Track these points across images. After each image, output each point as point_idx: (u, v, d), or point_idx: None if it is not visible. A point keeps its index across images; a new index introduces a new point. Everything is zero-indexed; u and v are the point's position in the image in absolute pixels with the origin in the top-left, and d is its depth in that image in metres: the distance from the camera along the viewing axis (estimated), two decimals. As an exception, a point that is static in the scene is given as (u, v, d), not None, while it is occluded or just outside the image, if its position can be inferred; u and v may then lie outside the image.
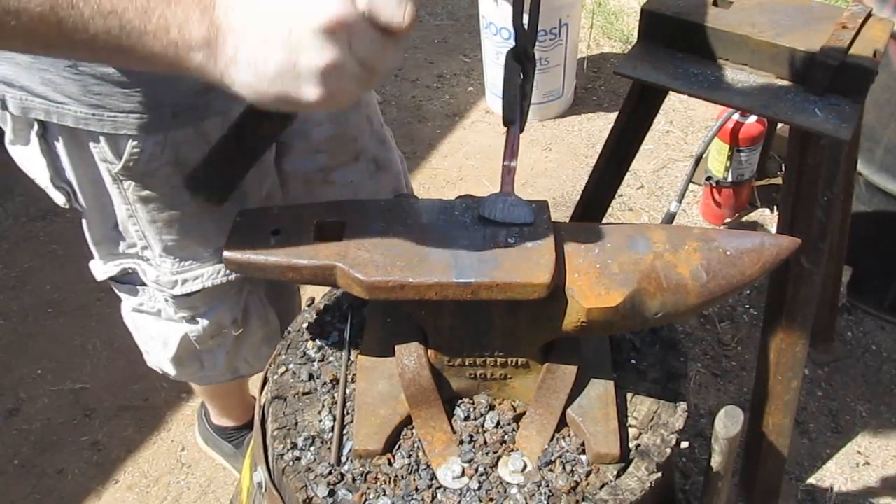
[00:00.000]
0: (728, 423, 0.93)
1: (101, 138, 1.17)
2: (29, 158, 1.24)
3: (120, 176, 1.21)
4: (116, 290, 1.48)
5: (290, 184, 1.44)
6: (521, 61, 1.05)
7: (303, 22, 0.70)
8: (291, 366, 1.10)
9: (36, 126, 1.18)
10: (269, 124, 0.90)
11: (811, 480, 2.08)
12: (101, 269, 1.41)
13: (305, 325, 1.15)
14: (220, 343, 1.52)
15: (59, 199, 1.28)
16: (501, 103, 1.06)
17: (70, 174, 1.24)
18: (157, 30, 0.71)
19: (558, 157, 3.07)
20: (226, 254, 0.92)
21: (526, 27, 1.05)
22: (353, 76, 0.73)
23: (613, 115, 1.76)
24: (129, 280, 1.43)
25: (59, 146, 1.20)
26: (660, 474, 0.96)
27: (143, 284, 1.42)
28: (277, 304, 1.57)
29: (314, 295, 1.21)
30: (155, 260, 1.35)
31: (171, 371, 1.59)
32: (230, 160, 0.94)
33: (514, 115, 1.02)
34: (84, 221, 1.35)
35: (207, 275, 1.37)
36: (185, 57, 0.72)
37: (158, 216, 1.27)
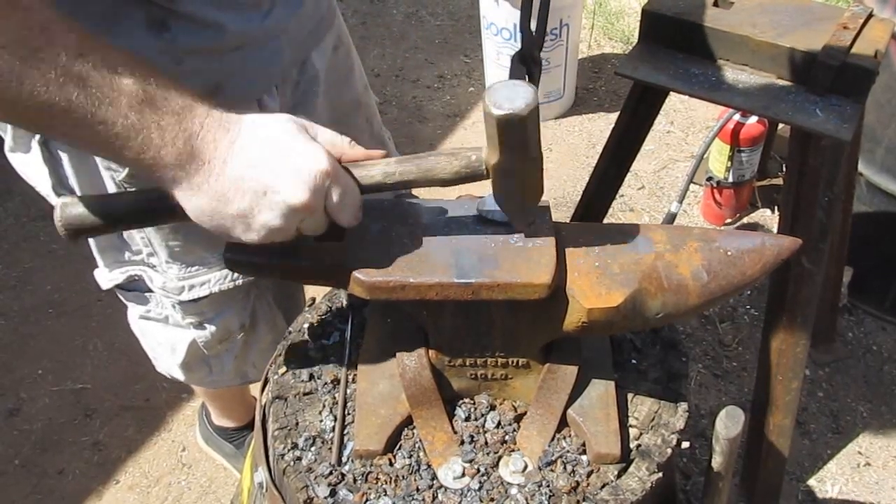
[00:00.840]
0: (729, 423, 0.93)
1: None
2: (30, 166, 1.23)
3: (124, 184, 1.20)
4: (122, 298, 1.47)
5: None
6: (527, 64, 1.06)
7: (282, 193, 0.79)
8: (292, 366, 1.10)
9: (38, 134, 1.17)
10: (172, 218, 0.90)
11: (812, 481, 2.07)
12: (107, 276, 1.40)
13: (306, 325, 1.15)
14: (229, 348, 1.51)
15: None
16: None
17: (73, 182, 1.23)
18: (137, 147, 0.76)
19: (559, 157, 3.07)
20: (226, 254, 0.92)
21: (534, 31, 1.05)
22: (287, 237, 0.84)
23: (614, 116, 1.76)
24: (136, 287, 1.42)
25: (62, 154, 1.20)
26: (660, 474, 0.96)
27: (150, 291, 1.41)
28: (285, 307, 1.56)
29: (315, 295, 1.21)
30: (161, 266, 1.34)
31: (180, 376, 1.59)
32: (112, 214, 0.92)
33: None
34: None
35: (214, 280, 1.36)
36: (155, 171, 0.79)
37: None
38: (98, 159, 1.18)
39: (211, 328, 1.45)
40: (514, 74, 1.09)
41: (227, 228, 0.83)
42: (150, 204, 0.87)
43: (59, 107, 0.72)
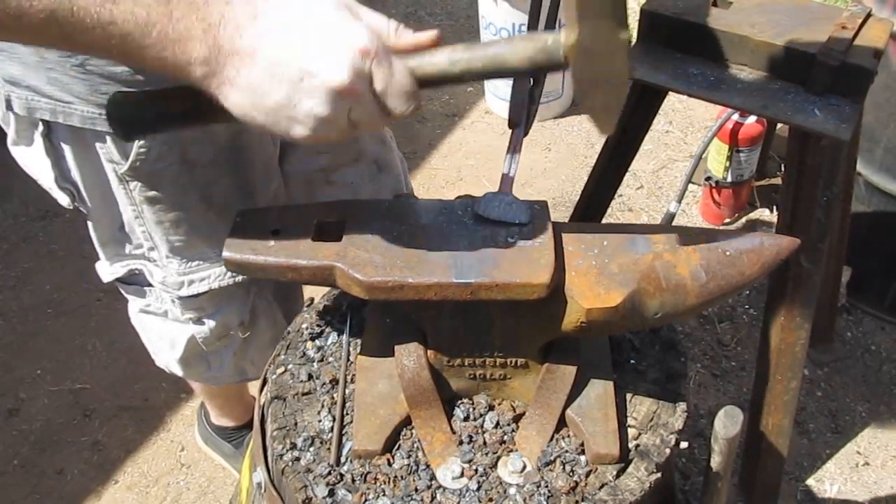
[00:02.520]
0: (727, 423, 0.93)
1: (108, 138, 1.16)
2: (32, 159, 1.23)
3: (126, 177, 1.20)
4: (123, 292, 1.48)
5: (292, 184, 1.44)
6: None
7: (319, 75, 0.72)
8: (290, 366, 1.10)
9: (41, 126, 1.17)
10: (223, 117, 0.84)
11: (811, 481, 2.08)
12: (108, 270, 1.40)
13: (305, 325, 1.15)
14: (227, 344, 1.51)
15: (64, 199, 1.27)
16: (508, 105, 1.06)
17: (75, 175, 1.23)
18: (155, 44, 0.72)
19: (558, 157, 3.07)
20: (225, 254, 0.92)
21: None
22: (341, 130, 0.77)
23: (613, 116, 1.76)
24: (136, 281, 1.42)
25: (65, 146, 1.20)
26: (659, 474, 0.96)
27: (150, 285, 1.41)
28: (285, 305, 1.56)
29: (314, 295, 1.21)
30: (161, 261, 1.34)
31: (178, 371, 1.59)
32: (166, 112, 0.88)
33: (521, 118, 1.03)
34: (89, 223, 1.35)
35: (214, 276, 1.36)
36: (185, 69, 0.74)
37: (165, 217, 1.27)
38: (101, 151, 1.19)
39: (210, 324, 1.45)
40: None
41: (273, 124, 0.76)
42: (200, 103, 0.80)
43: (63, 11, 0.70)
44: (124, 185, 1.22)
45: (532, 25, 1.12)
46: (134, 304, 1.50)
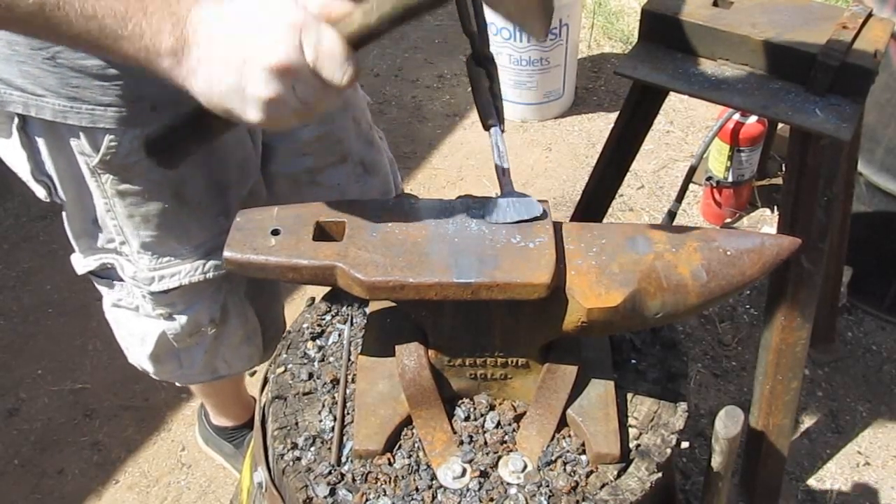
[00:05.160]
0: (728, 423, 0.93)
1: (80, 133, 1.17)
2: (10, 151, 1.24)
3: (98, 169, 1.21)
4: (96, 285, 1.48)
5: (277, 185, 1.44)
6: (482, 64, 1.06)
7: (256, 57, 0.78)
8: (291, 366, 1.10)
9: (16, 119, 1.18)
10: (224, 122, 0.92)
11: (811, 480, 2.07)
12: (81, 262, 1.41)
13: (306, 324, 1.15)
14: (199, 342, 1.51)
15: (40, 192, 1.28)
16: (476, 109, 1.06)
17: (50, 167, 1.24)
18: (131, 36, 0.79)
19: (558, 157, 3.07)
20: (226, 253, 0.92)
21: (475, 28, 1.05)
22: (293, 109, 0.82)
23: (614, 116, 1.76)
24: (108, 275, 1.43)
25: (39, 139, 1.20)
26: (660, 474, 0.96)
27: (122, 280, 1.41)
28: (257, 303, 1.55)
29: (314, 295, 1.21)
30: (132, 256, 1.34)
31: (149, 368, 1.58)
32: (188, 134, 0.97)
33: (492, 117, 1.03)
34: (64, 215, 1.35)
35: (185, 272, 1.36)
36: (155, 61, 0.81)
37: (136, 211, 1.27)
38: (73, 144, 1.19)
39: (181, 320, 1.44)
40: (473, 77, 1.09)
41: (232, 109, 0.82)
42: (198, 113, 0.88)
43: (50, 5, 0.77)
44: (96, 177, 1.22)
45: (465, 26, 1.12)
46: (107, 299, 1.50)
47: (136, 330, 1.51)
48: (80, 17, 0.78)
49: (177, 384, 1.81)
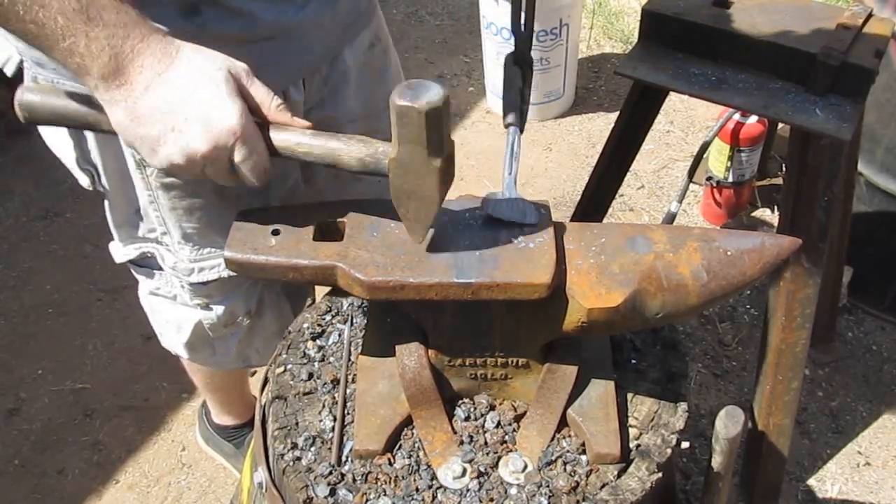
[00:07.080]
0: (728, 423, 0.93)
1: None
2: (56, 138, 1.26)
3: (144, 162, 1.21)
4: (134, 273, 1.50)
5: (321, 181, 1.44)
6: (521, 65, 1.06)
7: (184, 134, 0.86)
8: (291, 366, 1.10)
9: None
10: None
11: (811, 481, 2.07)
12: (121, 251, 1.43)
13: (306, 324, 1.15)
14: (234, 332, 1.53)
15: (84, 180, 1.29)
16: (502, 105, 1.06)
17: (96, 157, 1.26)
18: (64, 49, 0.85)
19: (559, 157, 3.07)
20: (226, 253, 0.92)
21: (523, 29, 1.05)
22: (194, 175, 0.91)
23: (614, 116, 1.76)
24: (147, 264, 1.44)
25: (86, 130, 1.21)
26: (660, 474, 0.96)
27: (161, 269, 1.43)
28: (293, 297, 1.58)
29: (315, 295, 1.21)
30: (174, 246, 1.36)
31: (184, 354, 1.61)
32: None
33: (515, 117, 1.03)
34: (106, 203, 1.37)
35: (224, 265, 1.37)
36: (83, 76, 0.86)
37: (179, 203, 1.28)
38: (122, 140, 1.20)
39: (217, 311, 1.46)
40: (508, 76, 1.09)
41: (139, 147, 0.90)
42: (92, 110, 0.92)
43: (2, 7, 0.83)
44: (141, 170, 1.24)
45: (514, 24, 1.12)
46: (144, 286, 1.52)
47: (173, 318, 1.53)
48: (22, 19, 0.83)
49: (205, 367, 1.82)
